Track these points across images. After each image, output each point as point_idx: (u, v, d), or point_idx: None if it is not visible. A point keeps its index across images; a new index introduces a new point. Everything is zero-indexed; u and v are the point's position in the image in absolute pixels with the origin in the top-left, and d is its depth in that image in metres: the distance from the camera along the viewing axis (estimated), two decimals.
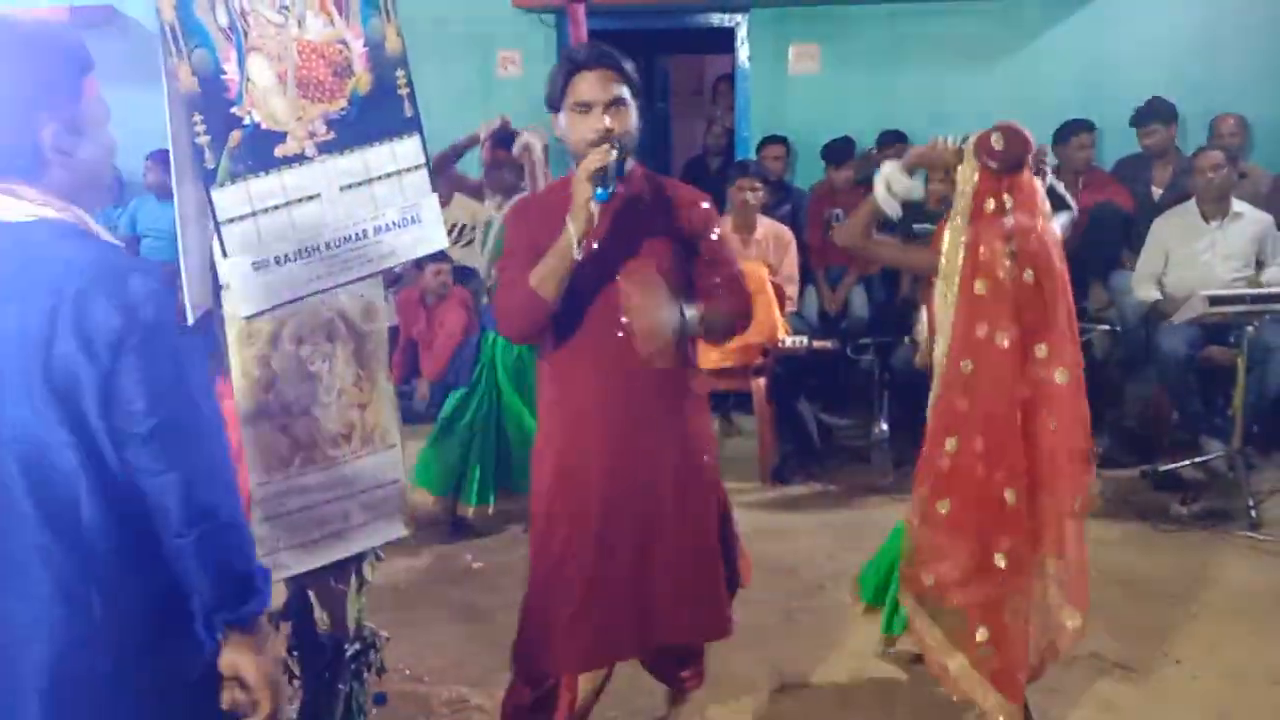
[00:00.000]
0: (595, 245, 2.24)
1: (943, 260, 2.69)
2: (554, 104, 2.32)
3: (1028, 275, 2.60)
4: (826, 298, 5.90)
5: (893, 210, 2.77)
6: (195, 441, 1.51)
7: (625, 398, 2.33)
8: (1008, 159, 2.60)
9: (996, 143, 2.60)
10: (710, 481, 2.50)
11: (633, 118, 2.28)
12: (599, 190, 2.16)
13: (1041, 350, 2.61)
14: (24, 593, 1.47)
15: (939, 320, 2.71)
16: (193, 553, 1.50)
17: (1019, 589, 2.62)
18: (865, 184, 5.97)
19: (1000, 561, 2.62)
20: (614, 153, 2.17)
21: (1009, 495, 2.60)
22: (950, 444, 2.65)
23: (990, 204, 2.61)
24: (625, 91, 2.27)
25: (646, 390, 2.33)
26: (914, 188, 2.81)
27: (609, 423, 2.34)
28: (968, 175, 2.64)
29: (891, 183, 2.74)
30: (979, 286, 2.61)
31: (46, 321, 1.42)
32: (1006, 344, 2.59)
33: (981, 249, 2.61)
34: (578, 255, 2.19)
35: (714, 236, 2.40)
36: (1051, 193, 2.77)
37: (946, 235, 2.69)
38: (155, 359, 1.46)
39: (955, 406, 2.66)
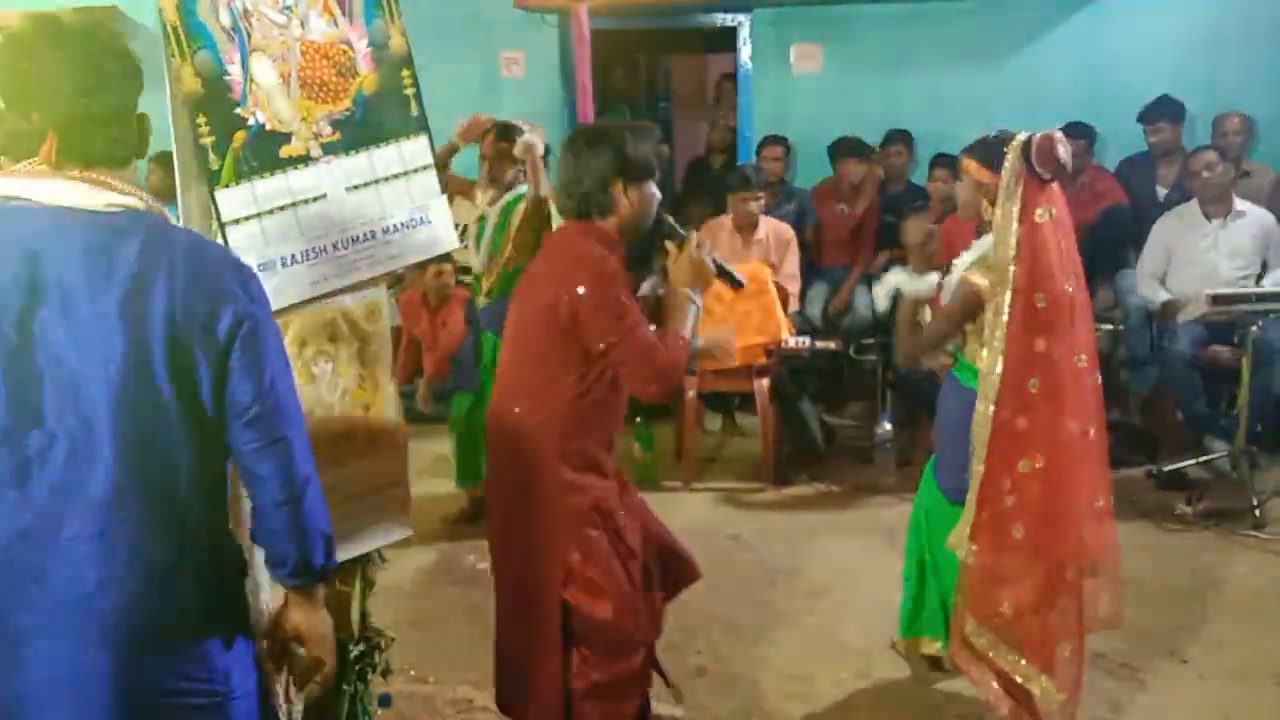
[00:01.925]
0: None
1: (992, 276, 2.61)
2: (641, 175, 2.42)
3: (1070, 285, 2.57)
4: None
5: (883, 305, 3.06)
6: (294, 415, 1.63)
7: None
8: (1061, 172, 2.56)
9: (1061, 155, 2.53)
10: None
11: None
12: (739, 278, 2.59)
13: (1083, 359, 2.60)
14: (100, 562, 1.51)
15: (986, 334, 2.62)
16: (289, 519, 1.63)
17: (1077, 597, 2.62)
18: (866, 186, 6.00)
19: (1071, 575, 2.60)
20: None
21: (1077, 507, 2.58)
22: (1023, 465, 2.58)
23: (1040, 214, 2.54)
24: None
25: None
26: (926, 287, 2.92)
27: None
28: (1011, 180, 2.55)
29: (903, 288, 2.90)
30: (1040, 300, 2.54)
31: (165, 307, 1.50)
32: (1058, 355, 2.56)
33: (1041, 260, 2.53)
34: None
35: None
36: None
37: (995, 248, 2.59)
38: (263, 343, 1.57)
39: (1015, 425, 2.57)
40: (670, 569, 2.68)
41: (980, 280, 2.65)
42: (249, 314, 1.56)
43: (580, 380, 2.39)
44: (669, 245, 2.54)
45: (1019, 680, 2.63)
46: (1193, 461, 4.67)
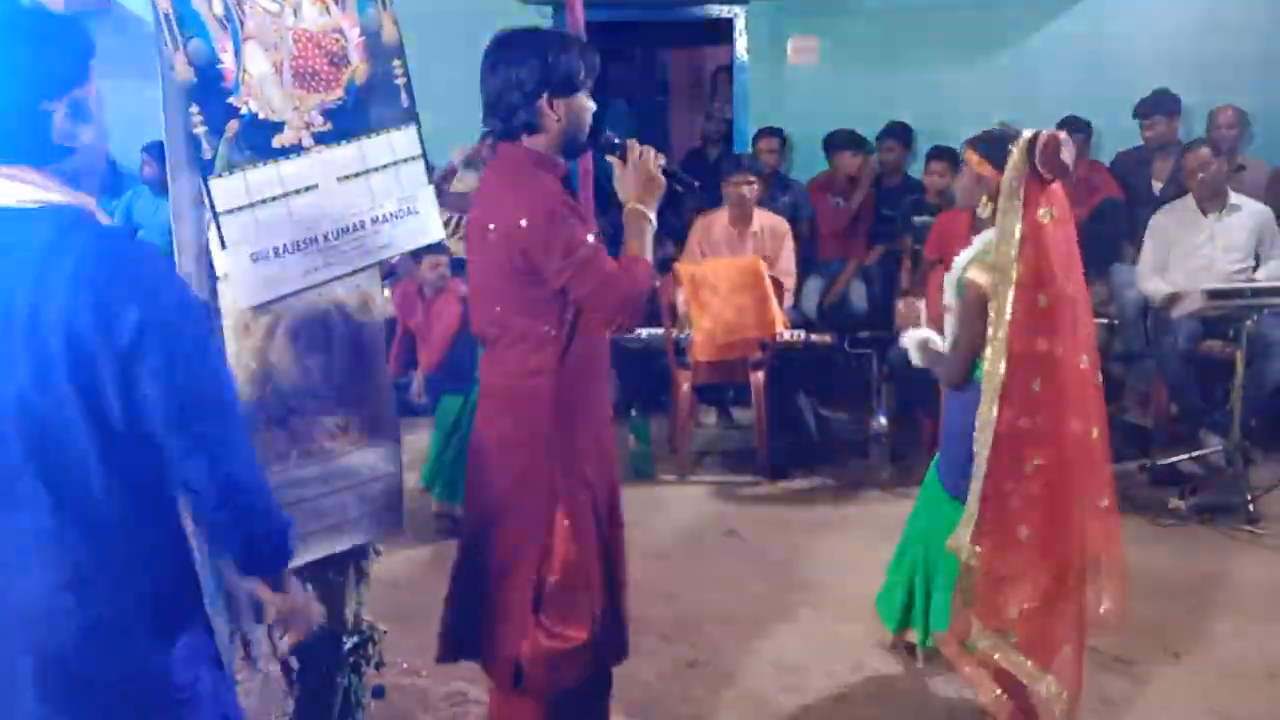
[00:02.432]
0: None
1: (988, 271, 2.60)
2: (573, 85, 2.23)
3: (1071, 286, 2.55)
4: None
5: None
6: (219, 419, 1.53)
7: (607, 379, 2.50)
8: (1065, 174, 2.54)
9: (1066, 157, 2.50)
10: None
11: None
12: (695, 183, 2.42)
13: (1084, 361, 2.58)
14: (30, 575, 1.46)
15: (989, 333, 2.60)
16: (227, 526, 1.57)
17: (1081, 596, 2.61)
18: (861, 178, 6.00)
19: (1074, 577, 2.59)
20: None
21: (1080, 507, 2.58)
22: (1029, 466, 2.56)
23: (1042, 214, 2.51)
24: None
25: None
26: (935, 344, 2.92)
27: (606, 414, 2.46)
28: (1013, 178, 2.52)
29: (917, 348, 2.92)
30: (1042, 299, 2.52)
31: (63, 308, 1.41)
32: (1060, 354, 2.54)
33: (1043, 260, 2.51)
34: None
35: None
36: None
37: (997, 247, 2.56)
38: (175, 343, 1.47)
39: (1018, 425, 2.55)
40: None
41: (981, 277, 2.63)
42: (156, 314, 1.45)
43: (561, 324, 2.26)
44: (612, 160, 2.37)
45: (1024, 681, 2.61)
46: (1187, 456, 4.67)
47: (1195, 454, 4.68)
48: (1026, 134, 2.54)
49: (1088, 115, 5.65)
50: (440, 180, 4.25)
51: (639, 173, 2.32)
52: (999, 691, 2.67)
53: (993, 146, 2.64)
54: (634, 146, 2.35)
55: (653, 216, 2.31)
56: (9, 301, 1.42)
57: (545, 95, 2.21)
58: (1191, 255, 4.86)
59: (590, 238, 2.23)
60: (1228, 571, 3.82)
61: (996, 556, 2.60)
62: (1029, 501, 2.58)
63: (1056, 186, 2.57)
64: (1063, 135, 2.54)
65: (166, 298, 1.49)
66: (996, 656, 2.62)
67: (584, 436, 2.36)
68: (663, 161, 2.35)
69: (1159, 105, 5.49)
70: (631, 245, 2.30)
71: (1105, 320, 5.15)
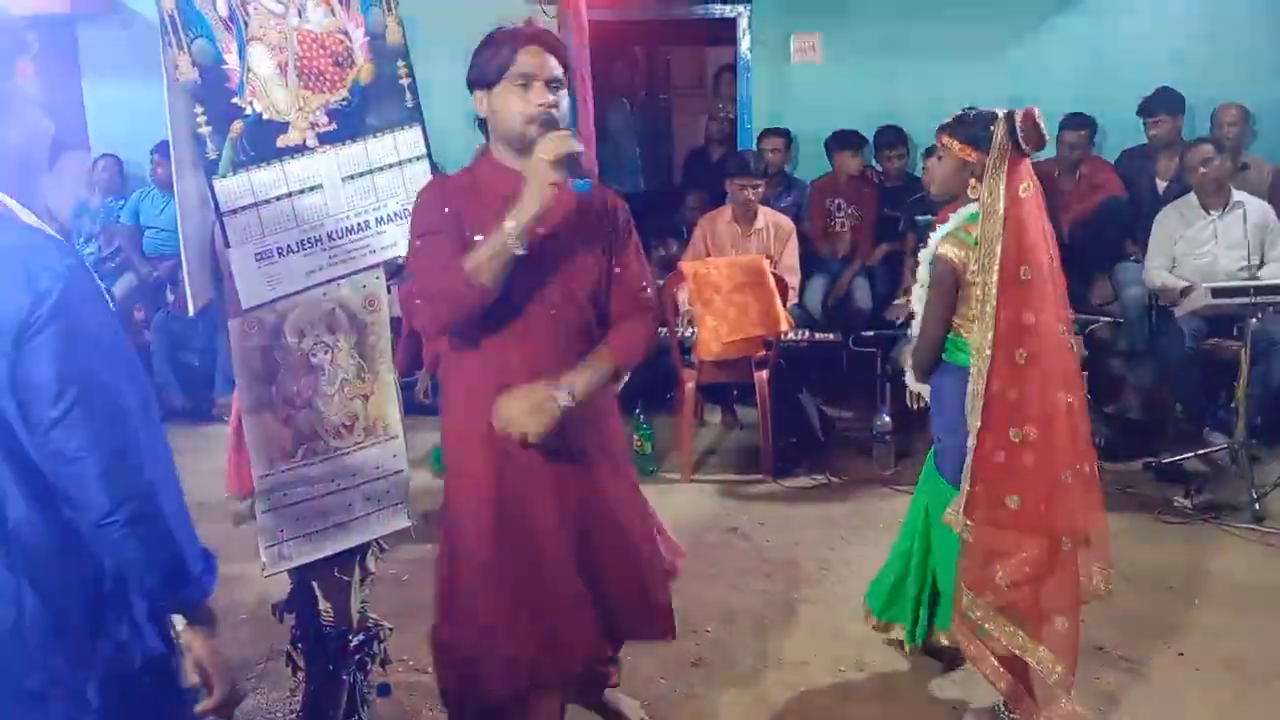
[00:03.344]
0: (540, 237, 2.11)
1: (959, 249, 2.67)
2: (487, 79, 2.14)
3: (1049, 260, 2.62)
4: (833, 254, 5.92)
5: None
6: (112, 425, 1.43)
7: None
8: (1040, 143, 2.61)
9: (1042, 123, 2.58)
10: (633, 480, 2.50)
11: (567, 105, 2.15)
12: (580, 181, 2.01)
13: (1060, 329, 2.64)
14: None
15: (973, 308, 2.66)
16: (117, 540, 1.44)
17: (1073, 567, 2.65)
18: (863, 179, 6.02)
19: (1066, 547, 2.63)
20: (577, 141, 2.03)
21: (1067, 477, 2.61)
22: (1015, 435, 2.60)
23: (1024, 188, 2.59)
24: (563, 77, 2.15)
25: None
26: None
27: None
28: (998, 156, 2.59)
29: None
30: (1025, 273, 2.57)
31: None
32: (1045, 327, 2.59)
33: (1026, 234, 2.58)
34: (520, 249, 2.03)
35: (633, 238, 2.34)
36: None
37: (982, 224, 2.62)
38: (64, 341, 1.39)
39: (1007, 397, 2.60)
40: None
41: (954, 251, 2.68)
42: (47, 303, 1.38)
43: None
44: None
45: (1016, 652, 2.66)
46: (1191, 454, 4.67)
47: (1200, 452, 4.68)
48: (1002, 112, 2.61)
49: (1091, 113, 5.65)
50: None
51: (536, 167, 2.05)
52: (997, 663, 2.71)
53: (973, 130, 2.68)
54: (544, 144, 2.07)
55: (512, 233, 2.02)
56: None
57: (474, 90, 2.19)
58: (1194, 253, 4.86)
59: (437, 239, 2.11)
60: (1233, 569, 3.82)
61: (988, 528, 2.65)
62: (1018, 473, 2.62)
63: (1027, 162, 2.63)
64: (1034, 108, 2.60)
65: (54, 294, 1.39)
66: (989, 626, 2.67)
67: (467, 425, 2.26)
68: (579, 149, 2.09)
69: (1163, 103, 5.49)
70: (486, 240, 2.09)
71: (1109, 318, 5.15)
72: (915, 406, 3.07)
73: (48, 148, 1.60)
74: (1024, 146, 2.58)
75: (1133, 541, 3.96)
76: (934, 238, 2.81)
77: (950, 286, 2.71)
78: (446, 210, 2.15)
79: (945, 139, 2.74)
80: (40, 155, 1.58)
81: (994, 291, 2.58)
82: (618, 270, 2.28)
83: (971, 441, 2.65)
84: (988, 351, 2.60)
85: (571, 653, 2.34)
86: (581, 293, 2.23)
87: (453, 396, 2.33)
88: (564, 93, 2.14)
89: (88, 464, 1.41)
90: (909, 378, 2.97)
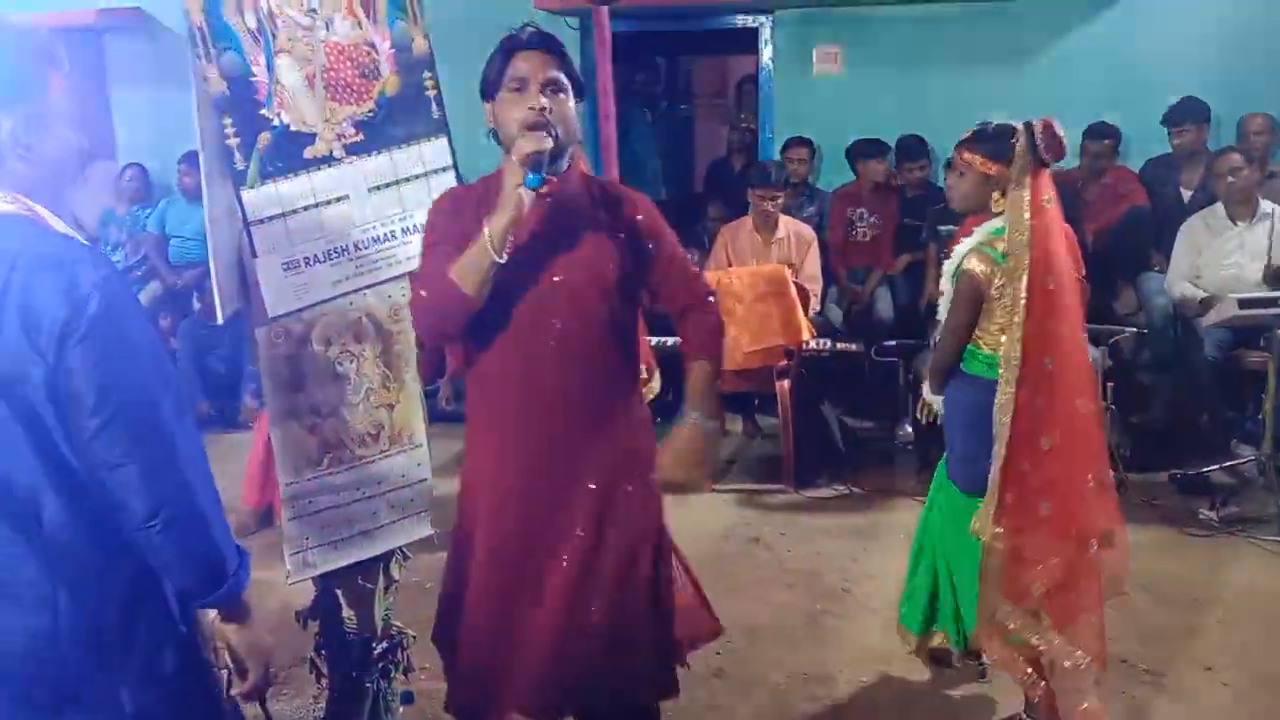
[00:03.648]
0: (526, 241, 2.04)
1: (985, 263, 2.67)
2: (490, 90, 2.10)
3: (1067, 264, 2.64)
4: (847, 293, 5.90)
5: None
6: (152, 431, 1.46)
7: (554, 415, 2.11)
8: (1061, 154, 2.61)
9: (1061, 132, 2.59)
10: (648, 511, 2.23)
11: (570, 108, 2.08)
12: (530, 175, 1.93)
13: (1078, 335, 2.67)
14: (11, 596, 1.46)
15: (1002, 321, 2.67)
16: (157, 544, 1.48)
17: (1096, 569, 2.65)
18: (887, 187, 6.01)
19: (1093, 548, 2.63)
20: (550, 140, 1.96)
21: (1091, 481, 2.63)
22: (1045, 442, 2.61)
23: (1047, 197, 2.60)
24: (564, 79, 2.08)
25: (580, 410, 2.13)
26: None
27: (533, 447, 2.13)
28: (1020, 175, 2.61)
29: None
30: (1049, 281, 2.59)
31: None
32: (1067, 334, 2.61)
33: (1051, 244, 2.59)
34: (499, 257, 1.96)
35: (668, 237, 2.24)
36: None
37: (1010, 235, 2.63)
38: (104, 349, 1.42)
39: (1034, 405, 2.61)
40: None
41: (980, 266, 2.69)
42: (84, 314, 1.40)
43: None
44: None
45: (1054, 656, 2.65)
46: (1218, 466, 4.62)
47: (1226, 464, 4.64)
48: (1021, 124, 2.62)
49: (1115, 122, 5.62)
50: None
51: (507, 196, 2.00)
52: (1030, 670, 2.70)
53: (995, 144, 2.69)
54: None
55: (490, 239, 1.96)
56: None
57: (484, 102, 2.14)
58: (1220, 263, 4.82)
59: (439, 250, 2.06)
60: (1259, 583, 3.78)
61: (1020, 536, 2.64)
62: (1046, 479, 2.62)
63: (1047, 172, 2.64)
64: (1051, 118, 2.61)
65: (93, 303, 1.42)
66: (1025, 634, 2.65)
67: (484, 437, 2.20)
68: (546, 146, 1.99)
69: (1189, 113, 5.45)
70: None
71: (1134, 329, 5.11)
72: (926, 421, 3.06)
73: (78, 161, 1.62)
74: (1045, 157, 2.59)
75: (1158, 554, 3.93)
76: (958, 251, 2.81)
77: (974, 301, 2.73)
78: (454, 222, 2.09)
79: (966, 155, 2.75)
80: (72, 168, 1.60)
81: (1023, 301, 2.59)
82: (661, 267, 2.20)
83: (1000, 450, 2.64)
84: (1016, 360, 2.60)
85: (541, 691, 2.17)
86: (590, 300, 2.11)
87: (469, 403, 2.25)
88: (564, 96, 2.07)
89: (130, 470, 1.44)
90: (926, 390, 2.97)
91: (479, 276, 1.98)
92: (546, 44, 2.07)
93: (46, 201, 1.54)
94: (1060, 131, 2.61)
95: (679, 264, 2.25)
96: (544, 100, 2.02)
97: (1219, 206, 4.88)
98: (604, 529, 2.14)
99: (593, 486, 2.14)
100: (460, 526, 2.25)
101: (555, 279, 2.08)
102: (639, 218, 2.18)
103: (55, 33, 1.71)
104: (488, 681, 2.19)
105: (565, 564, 2.13)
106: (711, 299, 2.30)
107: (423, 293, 2.07)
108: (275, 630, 1.78)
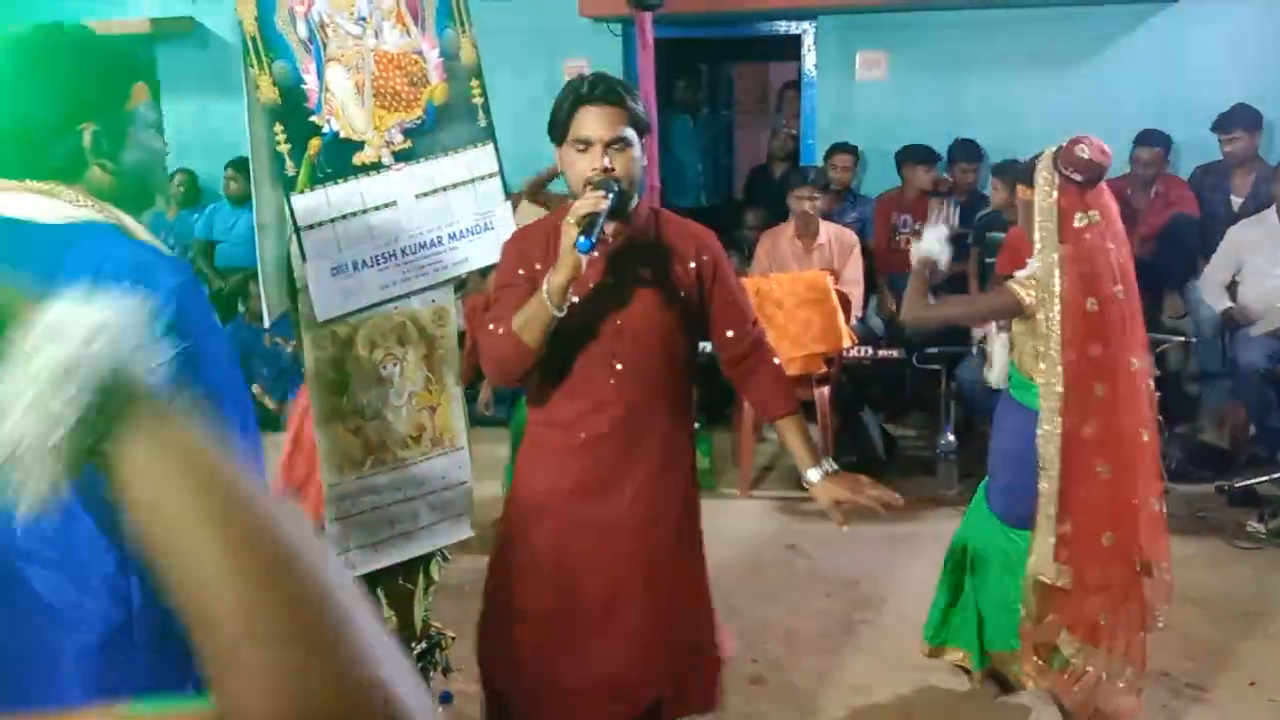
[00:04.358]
0: (588, 290, 2.13)
1: (1033, 289, 2.61)
2: (557, 136, 2.16)
3: (1119, 290, 2.56)
4: (889, 305, 5.86)
5: (942, 257, 2.83)
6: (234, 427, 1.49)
7: (613, 450, 2.23)
8: (1093, 172, 2.55)
9: (1082, 153, 2.53)
10: (692, 545, 2.41)
11: (636, 160, 2.13)
12: (580, 239, 1.97)
13: (1135, 364, 2.59)
14: (80, 583, 1.51)
15: (1037, 346, 2.62)
16: None
17: (1143, 591, 2.64)
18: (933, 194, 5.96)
19: (1139, 566, 2.62)
20: (608, 200, 2.01)
21: (1153, 504, 2.62)
22: (1103, 470, 2.57)
23: (1080, 219, 2.55)
24: (630, 133, 2.12)
25: (640, 445, 2.25)
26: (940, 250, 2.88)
27: (588, 481, 2.24)
28: (1045, 191, 2.57)
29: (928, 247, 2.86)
30: (1090, 304, 2.54)
31: None
32: (1114, 359, 2.55)
33: (1085, 265, 2.53)
34: (558, 311, 2.03)
35: (727, 278, 2.30)
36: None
37: (1037, 258, 2.60)
38: (191, 356, 1.42)
39: (1083, 433, 2.56)
40: None
41: (1021, 292, 2.65)
42: (158, 322, 1.46)
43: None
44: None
45: (1110, 677, 2.64)
46: (1266, 478, 4.54)
47: (1275, 475, 4.56)
48: (1050, 149, 2.60)
49: (1165, 129, 5.55)
50: (540, 184, 4.37)
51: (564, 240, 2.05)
52: (1077, 689, 2.68)
53: (1026, 171, 2.68)
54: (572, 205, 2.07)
55: (548, 295, 2.02)
56: None
57: (553, 144, 2.21)
58: (1268, 272, 4.74)
59: (507, 293, 2.18)
60: None
61: (1086, 568, 2.61)
62: (1106, 509, 2.59)
63: (1103, 192, 2.59)
64: (1085, 135, 2.57)
65: (172, 305, 1.43)
66: (1081, 661, 2.64)
67: (543, 463, 2.31)
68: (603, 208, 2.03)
69: (1240, 119, 5.37)
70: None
71: (1181, 338, 5.04)
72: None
73: (162, 168, 1.67)
74: (1070, 175, 2.54)
75: (1204, 566, 3.87)
76: (1019, 274, 2.74)
77: (1001, 312, 2.73)
78: (522, 267, 2.19)
79: (999, 182, 2.75)
80: (156, 175, 1.65)
81: (1057, 328, 2.55)
82: (717, 309, 2.27)
83: (1053, 483, 2.60)
84: (1058, 389, 2.56)
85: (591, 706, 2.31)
86: (650, 342, 2.20)
87: (528, 435, 2.35)
88: (630, 149, 2.12)
89: None
90: (917, 255, 2.90)
91: (539, 329, 2.07)
92: (612, 98, 2.11)
93: (131, 209, 1.58)
94: (1084, 151, 2.54)
95: (736, 306, 2.32)
96: (607, 161, 2.09)
97: (1271, 213, 4.81)
98: (660, 553, 2.29)
99: (646, 513, 2.26)
100: (504, 550, 2.36)
101: (616, 323, 2.17)
102: (704, 258, 2.26)
103: (138, 41, 1.75)
104: (546, 703, 2.30)
105: (626, 590, 2.26)
106: (764, 344, 2.37)
107: (489, 339, 2.16)
108: None
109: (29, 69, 1.50)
